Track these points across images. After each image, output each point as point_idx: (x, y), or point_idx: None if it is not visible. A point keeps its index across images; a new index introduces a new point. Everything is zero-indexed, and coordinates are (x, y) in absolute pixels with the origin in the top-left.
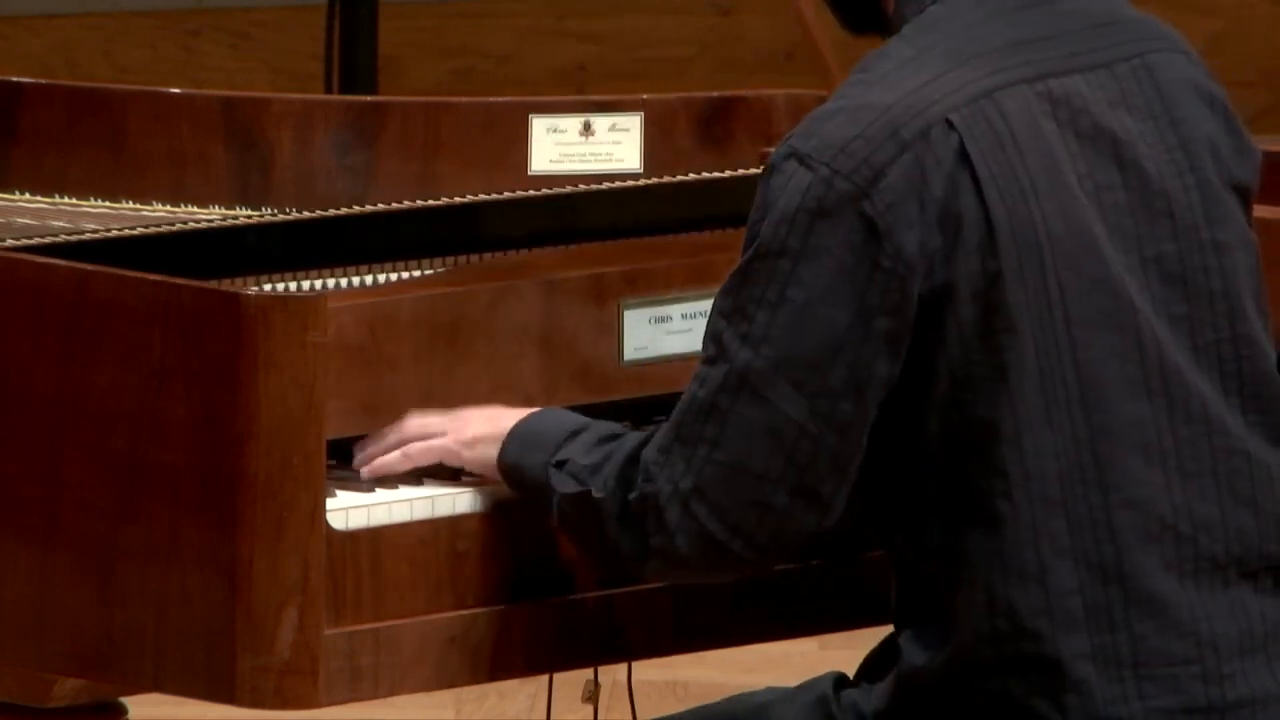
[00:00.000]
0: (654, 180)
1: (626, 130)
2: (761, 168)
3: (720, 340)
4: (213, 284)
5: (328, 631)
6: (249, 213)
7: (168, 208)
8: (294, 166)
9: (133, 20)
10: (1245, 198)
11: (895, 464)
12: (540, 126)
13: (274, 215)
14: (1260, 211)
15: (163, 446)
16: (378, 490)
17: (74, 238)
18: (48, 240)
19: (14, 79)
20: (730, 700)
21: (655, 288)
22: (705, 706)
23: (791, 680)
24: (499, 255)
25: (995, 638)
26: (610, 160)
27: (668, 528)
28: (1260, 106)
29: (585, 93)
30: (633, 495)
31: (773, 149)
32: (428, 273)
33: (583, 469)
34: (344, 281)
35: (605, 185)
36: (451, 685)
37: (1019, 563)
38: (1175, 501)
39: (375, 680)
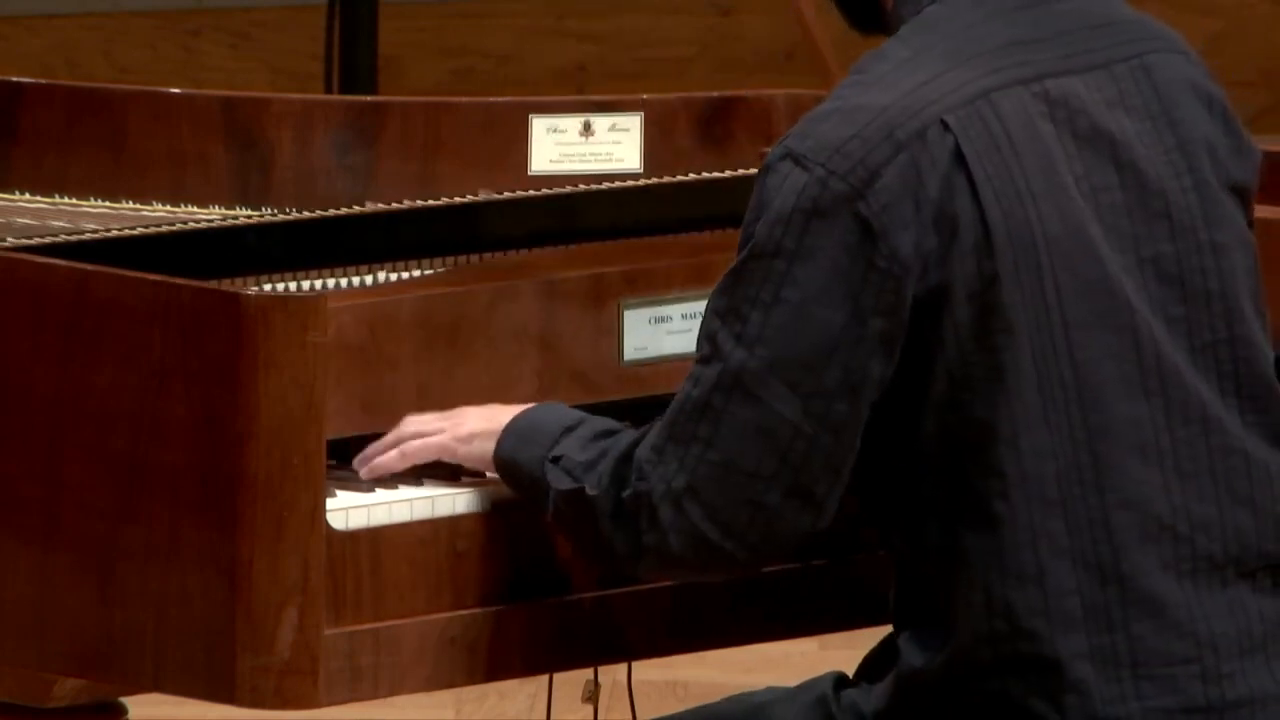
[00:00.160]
0: (654, 180)
1: (626, 130)
2: (759, 168)
3: (715, 340)
4: (213, 284)
5: (328, 631)
6: (249, 213)
7: (168, 208)
8: (294, 166)
9: (133, 20)
10: (1244, 198)
11: (892, 465)
12: (540, 126)
13: (274, 215)
14: (1260, 211)
15: (163, 446)
16: (378, 490)
17: (74, 238)
18: (48, 240)
19: (14, 79)
20: (730, 700)
21: (655, 288)
22: (705, 706)
23: (791, 680)
24: (499, 255)
25: (993, 638)
26: (610, 160)
27: (660, 526)
28: (1260, 106)
29: (585, 93)
30: (626, 493)
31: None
32: (428, 273)
33: (577, 465)
34: (344, 281)
35: (605, 185)
36: (451, 685)
37: (1017, 563)
38: (1173, 501)
39: (375, 680)
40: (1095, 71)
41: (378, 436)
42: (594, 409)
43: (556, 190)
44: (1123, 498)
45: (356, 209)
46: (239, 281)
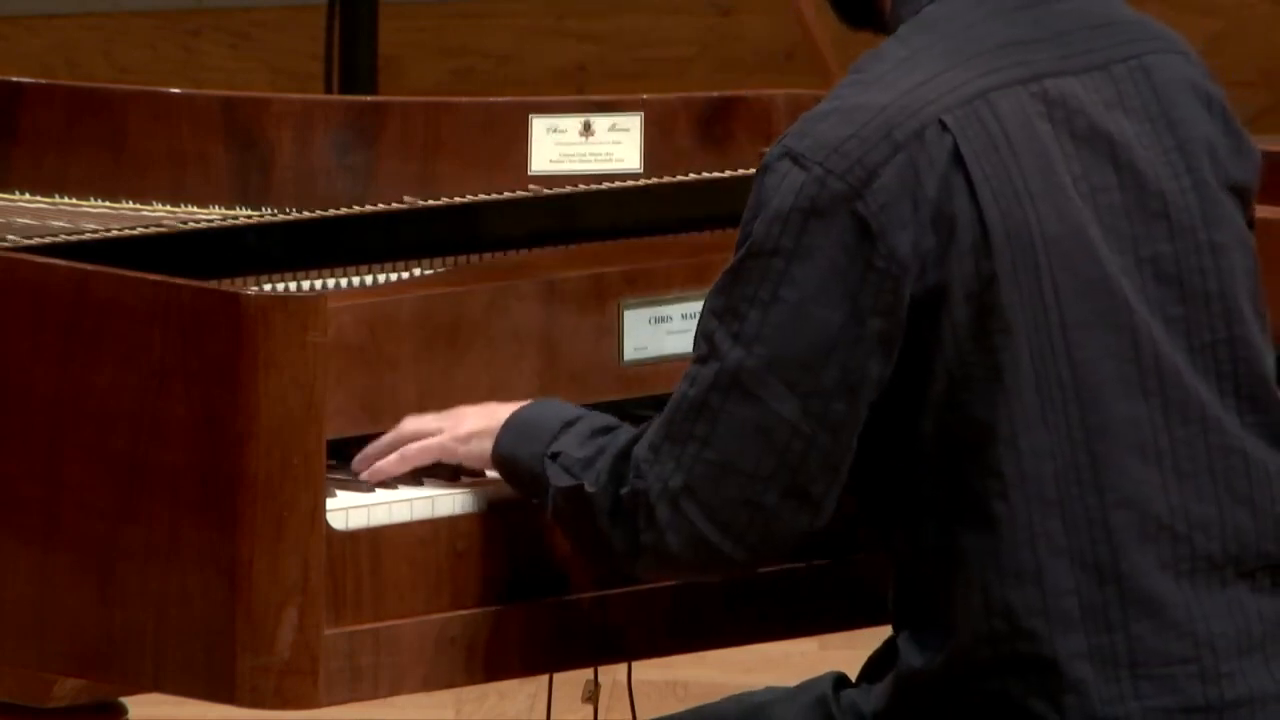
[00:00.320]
0: (654, 180)
1: (626, 130)
2: (757, 168)
3: (712, 339)
4: (213, 284)
5: (328, 631)
6: (249, 213)
7: (168, 208)
8: (294, 166)
9: (133, 20)
10: (1244, 198)
11: (891, 465)
12: (540, 126)
13: (274, 215)
14: (1260, 211)
15: (163, 446)
16: (378, 490)
17: (74, 238)
18: (48, 240)
19: (14, 79)
20: (730, 700)
21: (655, 288)
22: (705, 706)
23: (791, 680)
24: (499, 255)
25: (992, 638)
26: (610, 160)
27: (658, 525)
28: (1260, 106)
29: (585, 93)
30: (624, 490)
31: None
32: (428, 273)
33: (576, 462)
34: (344, 281)
35: (605, 185)
36: (451, 685)
37: (1015, 563)
38: (1172, 501)
39: (375, 680)
40: (1094, 72)
41: (378, 437)
42: (594, 409)
43: (556, 190)
44: (1121, 497)
45: (356, 209)
46: (239, 281)
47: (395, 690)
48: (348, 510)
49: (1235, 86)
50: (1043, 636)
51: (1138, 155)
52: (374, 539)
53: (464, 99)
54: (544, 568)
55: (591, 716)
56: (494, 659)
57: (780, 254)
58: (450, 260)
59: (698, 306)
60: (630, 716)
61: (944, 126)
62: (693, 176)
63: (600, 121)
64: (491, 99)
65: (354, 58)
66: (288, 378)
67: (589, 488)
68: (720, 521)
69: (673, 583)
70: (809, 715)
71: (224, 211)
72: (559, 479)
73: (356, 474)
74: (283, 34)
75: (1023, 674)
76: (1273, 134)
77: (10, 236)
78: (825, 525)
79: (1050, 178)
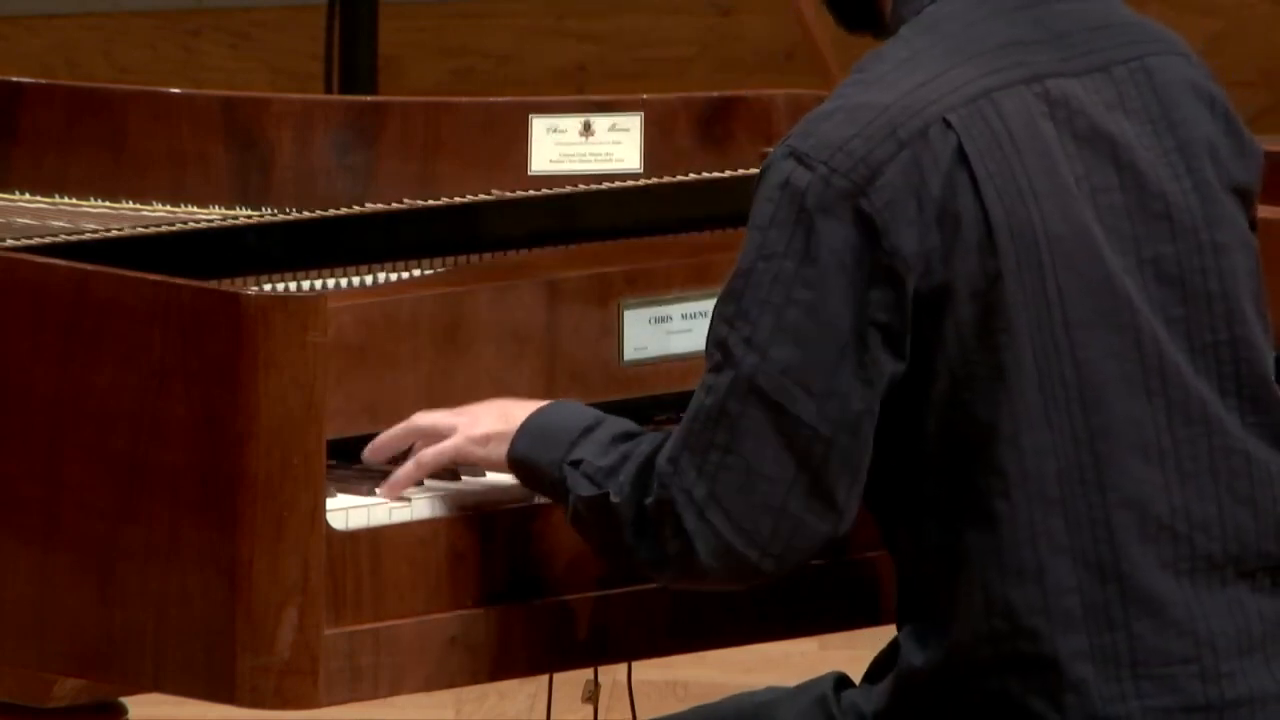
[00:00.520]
0: (654, 180)
1: (626, 130)
2: (760, 168)
3: (725, 346)
4: (213, 284)
5: (328, 631)
6: (249, 213)
7: (168, 208)
8: (294, 166)
9: (133, 20)
10: (1246, 199)
11: (894, 463)
12: (540, 126)
13: (274, 215)
14: (1261, 211)
15: (163, 446)
16: (377, 490)
17: (74, 238)
18: (48, 240)
19: (14, 79)
20: (730, 700)
21: (655, 288)
22: (705, 706)
23: (791, 680)
24: (499, 255)
25: (993, 637)
26: (610, 160)
27: (685, 535)
28: (1260, 106)
29: (585, 93)
30: (649, 501)
31: (772, 149)
32: (428, 273)
33: (598, 470)
34: (344, 281)
35: (605, 185)
36: (451, 685)
37: (1017, 562)
38: (1173, 501)
39: (375, 680)
40: (1094, 74)
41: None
42: (595, 409)
43: (556, 190)
44: (1123, 497)
45: (356, 209)
46: (239, 281)
47: (395, 690)
48: (348, 510)
49: (1235, 86)
50: (1044, 635)
51: (1139, 156)
52: (374, 539)
53: (464, 99)
54: (544, 568)
55: (591, 716)
56: (494, 659)
57: (789, 256)
58: (450, 260)
59: (698, 306)
60: (630, 716)
61: (948, 125)
62: (693, 176)
63: (600, 121)
64: (491, 99)
65: (354, 58)
66: (288, 378)
67: (614, 498)
68: (746, 530)
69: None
70: (809, 715)
71: (224, 211)
72: (581, 487)
73: (366, 465)
74: (283, 34)
75: (1023, 673)
76: (1273, 134)
77: (10, 238)
78: (848, 530)
79: (1054, 177)
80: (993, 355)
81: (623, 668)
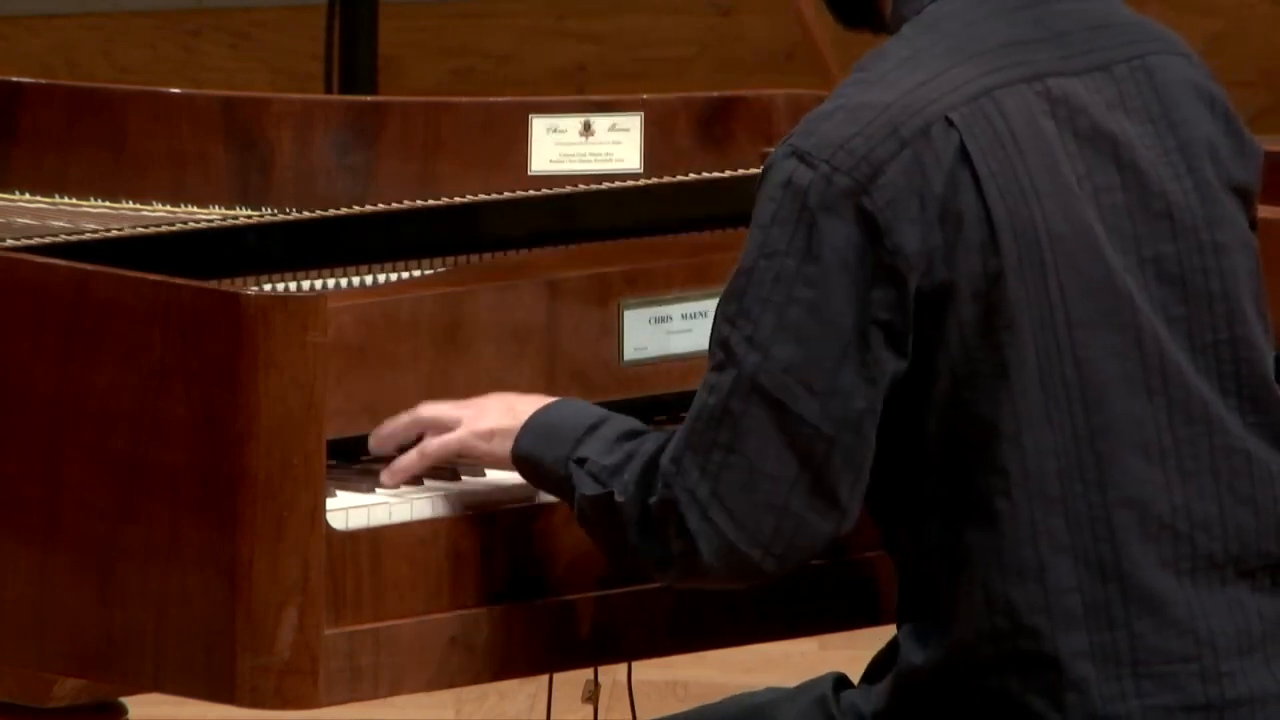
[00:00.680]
0: (654, 180)
1: (626, 130)
2: (762, 168)
3: (727, 345)
4: (213, 284)
5: (328, 631)
6: (249, 213)
7: (168, 208)
8: (294, 166)
9: (133, 20)
10: (1246, 199)
11: (895, 462)
12: (540, 126)
13: (274, 215)
14: (1261, 211)
15: (163, 446)
16: (378, 490)
17: (74, 238)
18: (48, 240)
19: (14, 79)
20: (730, 700)
21: (655, 288)
22: (705, 706)
23: (791, 680)
24: (499, 255)
25: (994, 635)
26: (610, 160)
27: (688, 535)
28: (1260, 106)
29: (585, 93)
30: (653, 501)
31: (773, 149)
32: (428, 273)
33: (603, 469)
34: (344, 281)
35: (605, 185)
36: (451, 685)
37: (1017, 560)
38: (1174, 500)
39: (375, 680)
40: (1095, 73)
41: None
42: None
43: (556, 190)
44: (1124, 496)
45: (356, 209)
46: (239, 281)
47: (395, 690)
48: (348, 510)
49: (1235, 86)
50: (1044, 634)
51: (1140, 155)
52: (374, 539)
53: (464, 99)
54: (544, 568)
55: (591, 716)
56: (494, 659)
57: (791, 255)
58: (450, 260)
59: (698, 306)
60: (630, 716)
61: (950, 123)
62: (693, 176)
63: (600, 121)
64: (491, 99)
65: (354, 58)
66: (288, 378)
67: (618, 497)
68: (748, 529)
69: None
70: (809, 715)
71: (224, 211)
72: (586, 486)
73: (366, 466)
74: (283, 34)
75: (1024, 671)
76: (1273, 134)
77: (10, 238)
78: (851, 529)
79: (1056, 176)
80: (995, 354)
81: (623, 668)
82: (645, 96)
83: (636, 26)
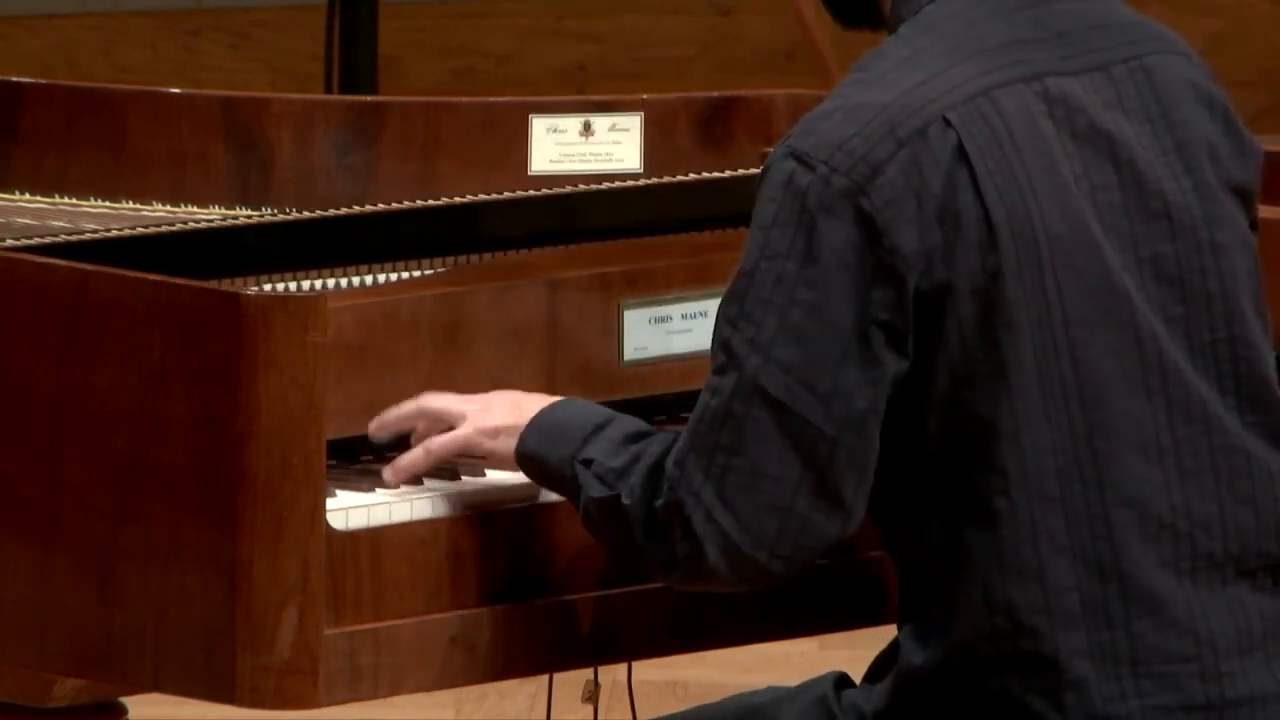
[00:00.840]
0: (654, 180)
1: (626, 130)
2: (761, 168)
3: (729, 347)
4: (213, 284)
5: (328, 631)
6: (249, 213)
7: (168, 208)
8: (294, 166)
9: (133, 20)
10: (1246, 199)
11: (895, 462)
12: (540, 126)
13: (274, 215)
14: (1260, 211)
15: (163, 446)
16: (378, 490)
17: (74, 238)
18: (48, 240)
19: (14, 79)
20: (730, 700)
21: (655, 288)
22: (705, 706)
23: (791, 680)
24: (499, 255)
25: (993, 635)
26: (610, 160)
27: (694, 537)
28: (1260, 106)
29: (585, 93)
30: (658, 503)
31: (773, 149)
32: (428, 273)
33: (609, 471)
34: (344, 281)
35: (605, 185)
36: (451, 685)
37: (1017, 560)
38: (1174, 500)
39: (375, 680)
40: (1093, 73)
41: None
42: None
43: (556, 190)
44: (1123, 495)
45: (356, 209)
46: (239, 281)
47: (395, 690)
48: (348, 510)
49: (1235, 86)
50: (1044, 634)
51: (1138, 155)
52: (374, 539)
53: (464, 99)
54: (544, 568)
55: (591, 716)
56: (494, 659)
57: (791, 257)
58: (450, 260)
59: (698, 306)
60: (630, 716)
61: (948, 123)
62: (693, 176)
63: (600, 121)
64: (491, 99)
65: (354, 58)
66: (288, 378)
67: (625, 500)
68: (753, 531)
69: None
70: (809, 715)
71: (224, 211)
72: (593, 488)
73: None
74: (283, 34)
75: (1023, 671)
76: (1273, 134)
77: (10, 238)
78: (855, 530)
79: (1054, 175)
80: (994, 353)
81: (623, 668)
82: (645, 96)
83: (636, 26)
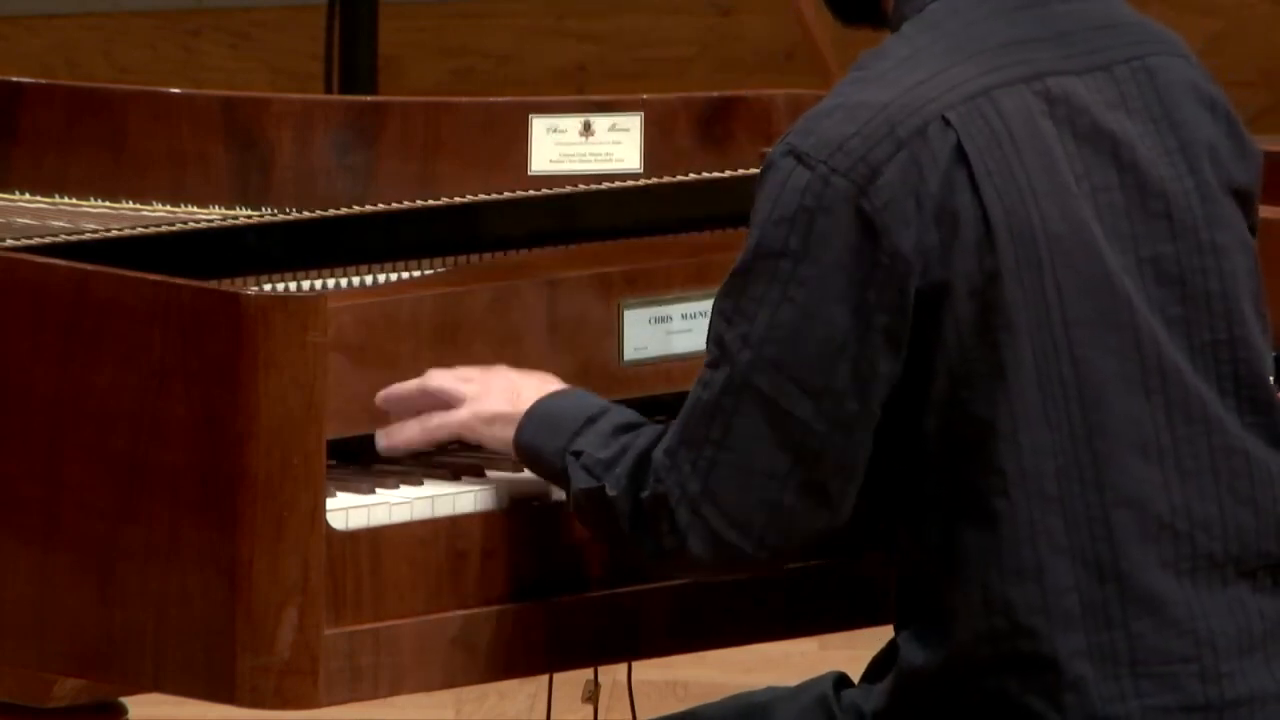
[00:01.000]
0: (654, 180)
1: (626, 130)
2: (761, 165)
3: (722, 342)
4: (213, 284)
5: (328, 631)
6: (249, 213)
7: (168, 208)
8: (294, 166)
9: (133, 20)
10: (1246, 201)
11: (893, 463)
12: (540, 126)
13: (274, 215)
14: (1260, 212)
15: (163, 446)
16: (378, 490)
17: (74, 238)
18: (48, 240)
19: (14, 79)
20: (730, 700)
21: (655, 288)
22: (705, 706)
23: (791, 680)
24: (499, 255)
25: (992, 636)
26: (610, 160)
27: (679, 529)
28: (1260, 106)
29: (585, 93)
30: (644, 495)
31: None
32: (428, 273)
33: (597, 463)
34: (344, 281)
35: (605, 185)
36: (452, 685)
37: (1016, 560)
38: (1174, 500)
39: (375, 680)
40: (1096, 73)
41: None
42: None
43: (556, 190)
44: (1122, 495)
45: (356, 209)
46: (239, 281)
47: (395, 690)
48: (348, 510)
49: (1235, 86)
50: (1043, 634)
51: (1140, 155)
52: (374, 539)
53: (464, 99)
54: (545, 567)
55: (591, 716)
56: (494, 659)
57: (787, 255)
58: (450, 260)
59: (698, 306)
60: (630, 716)
61: (947, 123)
62: (693, 176)
63: (600, 121)
64: (491, 99)
65: (354, 58)
66: (288, 378)
67: (610, 491)
68: (740, 523)
69: (673, 583)
70: (809, 715)
71: (224, 211)
72: (580, 479)
73: (366, 465)
74: (283, 34)
75: (1022, 672)
76: (1273, 134)
77: (10, 238)
78: (845, 522)
79: (1053, 175)
80: (992, 353)
81: (623, 668)
82: (645, 96)
83: (636, 26)
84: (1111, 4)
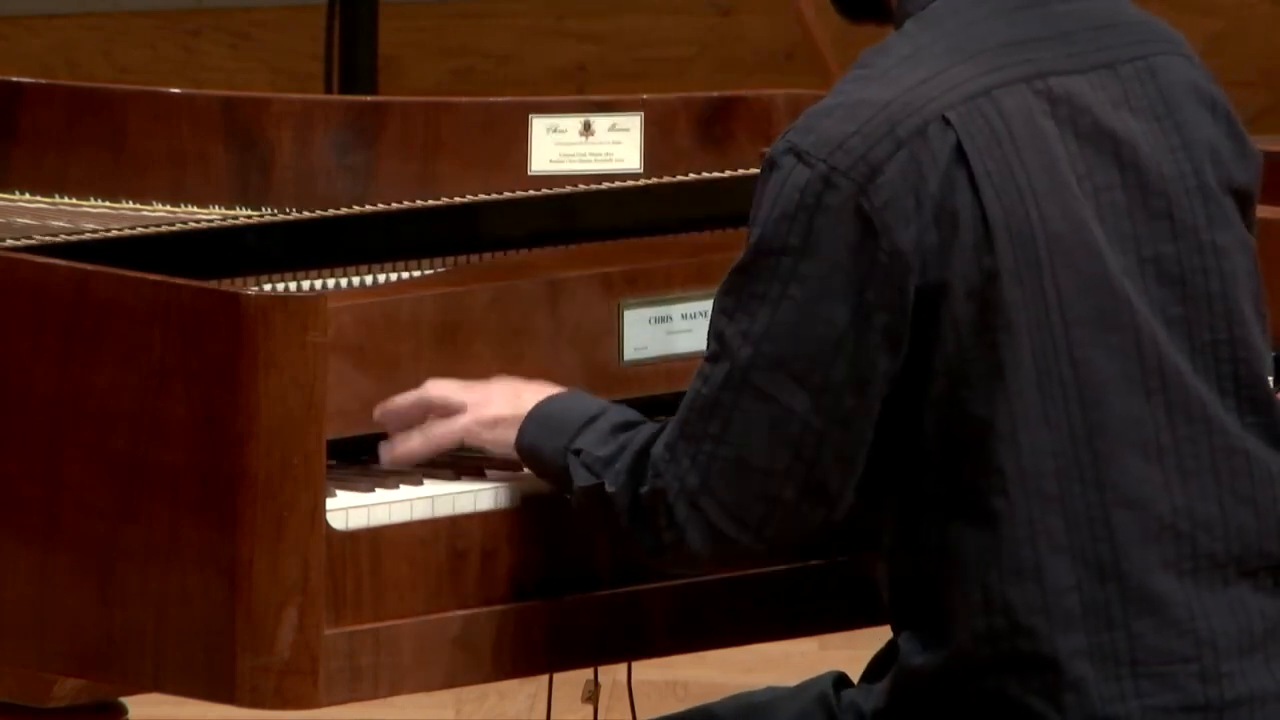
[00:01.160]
0: (654, 180)
1: (626, 130)
2: (762, 162)
3: (722, 338)
4: (213, 284)
5: (328, 631)
6: (249, 213)
7: (168, 208)
8: (294, 166)
9: (133, 20)
10: (1245, 202)
11: (892, 462)
12: (540, 126)
13: (274, 215)
14: (1260, 211)
15: (163, 446)
16: (378, 490)
17: (74, 238)
18: (48, 240)
19: (14, 79)
20: (730, 700)
21: (655, 288)
22: (705, 706)
23: (791, 680)
24: (499, 255)
25: (992, 636)
26: (610, 160)
27: (678, 524)
28: (1260, 106)
29: (585, 93)
30: (643, 490)
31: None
32: (428, 273)
33: (596, 460)
34: (344, 281)
35: (605, 185)
36: (452, 685)
37: (1015, 560)
38: (1175, 500)
39: (375, 680)
40: (1100, 71)
41: (378, 437)
42: None
43: (557, 190)
44: (1123, 496)
45: (356, 209)
46: (239, 281)
47: (395, 690)
48: (348, 510)
49: (1235, 86)
50: (1042, 634)
51: (1142, 154)
52: (374, 539)
53: (464, 99)
54: (545, 567)
55: (591, 716)
56: (494, 659)
57: (788, 252)
58: (450, 260)
59: (698, 306)
60: (630, 716)
61: (947, 123)
62: (693, 176)
63: (600, 121)
64: (491, 99)
65: (354, 58)
66: (288, 378)
67: (609, 487)
68: (738, 518)
69: (674, 582)
70: (809, 715)
71: (224, 211)
72: (581, 477)
73: (366, 466)
74: (283, 34)
75: (1022, 672)
76: (1273, 134)
77: (10, 238)
78: (843, 516)
79: (1054, 175)
80: (991, 353)
81: (623, 668)
82: (645, 96)
83: (636, 26)
84: (1115, 3)
